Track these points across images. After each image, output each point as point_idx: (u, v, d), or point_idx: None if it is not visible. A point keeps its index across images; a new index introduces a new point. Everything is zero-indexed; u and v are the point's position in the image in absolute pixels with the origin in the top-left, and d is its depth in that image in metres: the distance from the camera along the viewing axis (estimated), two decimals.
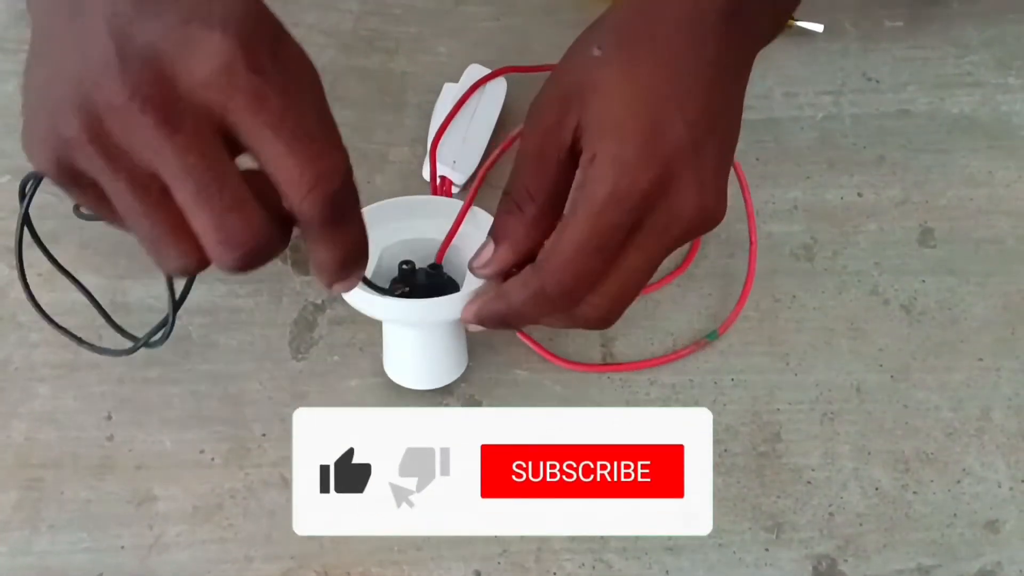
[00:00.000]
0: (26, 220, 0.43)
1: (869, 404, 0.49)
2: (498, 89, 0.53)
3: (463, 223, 0.44)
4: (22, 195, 0.42)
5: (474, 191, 0.46)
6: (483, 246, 0.39)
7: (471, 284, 0.41)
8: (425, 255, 0.45)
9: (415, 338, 0.45)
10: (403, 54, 0.55)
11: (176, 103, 0.28)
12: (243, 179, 0.30)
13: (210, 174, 0.29)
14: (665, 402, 0.48)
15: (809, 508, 0.47)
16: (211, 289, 0.49)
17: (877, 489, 0.47)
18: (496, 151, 0.47)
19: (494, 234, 0.39)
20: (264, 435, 0.47)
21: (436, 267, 0.45)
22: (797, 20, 0.55)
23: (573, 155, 0.37)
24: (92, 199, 0.31)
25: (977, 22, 0.57)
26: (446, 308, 0.41)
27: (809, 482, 0.47)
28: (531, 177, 0.37)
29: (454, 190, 0.51)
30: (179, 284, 0.44)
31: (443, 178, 0.50)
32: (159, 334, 0.46)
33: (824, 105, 0.55)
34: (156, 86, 0.28)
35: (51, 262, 0.45)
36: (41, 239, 0.45)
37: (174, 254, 0.31)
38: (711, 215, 0.37)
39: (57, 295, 0.47)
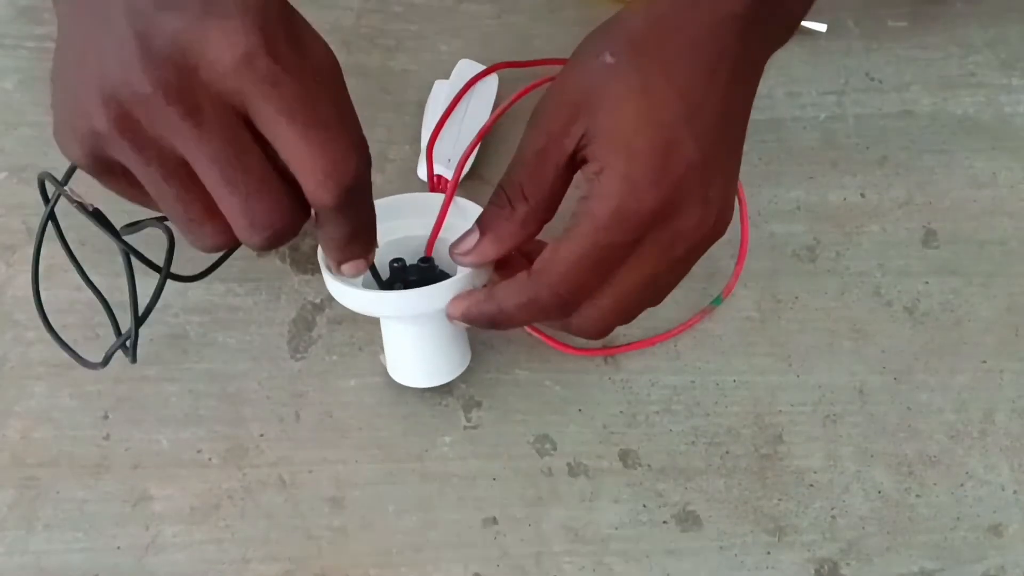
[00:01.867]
0: (51, 217, 0.43)
1: (872, 406, 0.49)
2: (490, 85, 0.52)
3: (450, 215, 0.44)
4: (42, 192, 0.42)
5: (454, 183, 0.47)
6: (468, 233, 0.39)
7: (464, 273, 0.41)
8: (417, 252, 0.45)
9: (414, 333, 0.45)
10: (404, 52, 0.54)
11: (199, 93, 0.29)
12: (267, 161, 0.31)
13: (234, 161, 0.30)
14: (666, 403, 0.48)
15: (811, 511, 0.47)
16: (209, 288, 0.48)
17: (880, 492, 0.47)
18: (474, 139, 0.49)
19: (480, 224, 0.39)
20: (262, 435, 0.46)
21: (427, 260, 0.44)
22: None
23: (573, 162, 0.37)
24: (125, 186, 0.33)
25: (981, 22, 0.57)
26: (439, 296, 0.40)
27: (811, 485, 0.47)
28: (528, 177, 0.37)
29: None
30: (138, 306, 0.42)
31: (439, 176, 0.50)
32: (123, 347, 0.43)
33: (827, 105, 0.54)
34: (179, 78, 0.29)
35: (71, 261, 0.45)
36: (65, 237, 0.45)
37: (207, 233, 0.32)
38: (716, 230, 0.37)
39: (52, 292, 0.47)
